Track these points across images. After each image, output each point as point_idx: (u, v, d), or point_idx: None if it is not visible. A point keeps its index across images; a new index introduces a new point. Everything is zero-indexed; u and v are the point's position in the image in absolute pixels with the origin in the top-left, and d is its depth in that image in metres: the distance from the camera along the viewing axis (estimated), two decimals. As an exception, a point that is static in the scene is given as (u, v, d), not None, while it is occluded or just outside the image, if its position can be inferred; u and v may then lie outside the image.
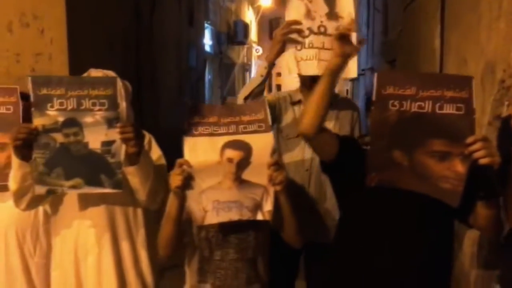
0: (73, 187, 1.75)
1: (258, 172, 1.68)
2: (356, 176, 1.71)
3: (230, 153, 1.68)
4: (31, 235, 2.03)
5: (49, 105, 1.71)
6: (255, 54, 23.04)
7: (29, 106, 2.00)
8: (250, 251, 1.78)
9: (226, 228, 1.75)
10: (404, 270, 1.69)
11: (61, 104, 1.71)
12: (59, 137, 1.72)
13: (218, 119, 1.71)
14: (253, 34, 22.16)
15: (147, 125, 2.18)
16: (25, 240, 2.02)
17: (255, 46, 22.71)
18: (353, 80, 13.79)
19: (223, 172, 1.68)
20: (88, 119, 1.71)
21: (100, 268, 1.87)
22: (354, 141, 1.96)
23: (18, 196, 1.82)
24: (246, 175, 1.69)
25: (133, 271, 1.92)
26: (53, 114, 1.71)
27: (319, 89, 1.69)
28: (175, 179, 1.65)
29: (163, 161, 1.96)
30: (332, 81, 1.67)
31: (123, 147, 1.73)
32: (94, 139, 1.72)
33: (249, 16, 21.23)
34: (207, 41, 12.63)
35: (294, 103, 2.39)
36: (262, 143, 1.69)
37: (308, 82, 2.21)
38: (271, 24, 27.17)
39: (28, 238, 2.03)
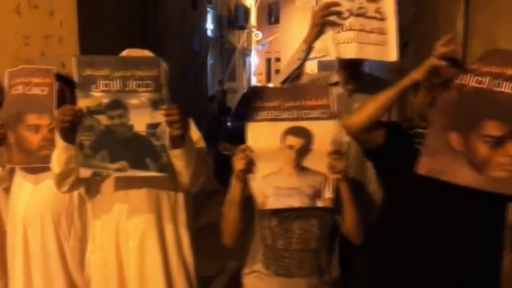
0: (118, 170, 1.69)
1: (319, 160, 1.66)
2: (402, 162, 1.68)
3: (291, 140, 1.66)
4: (66, 218, 1.98)
5: (93, 86, 1.64)
6: (254, 39, 22.84)
7: (61, 88, 1.94)
8: (314, 242, 1.77)
9: (289, 218, 1.74)
10: (451, 250, 1.67)
11: (105, 85, 1.64)
12: (103, 119, 1.66)
13: (280, 103, 1.67)
14: (252, 19, 21.92)
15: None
16: (60, 223, 1.97)
17: (254, 31, 22.49)
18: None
19: (283, 158, 1.67)
20: (133, 100, 1.65)
21: (144, 251, 1.82)
22: (398, 127, 1.92)
23: (61, 179, 1.76)
24: (306, 162, 1.67)
25: (175, 254, 1.89)
26: (97, 96, 1.64)
27: (385, 96, 1.67)
28: (238, 163, 1.63)
29: (202, 143, 1.91)
30: (401, 94, 1.65)
31: (167, 129, 1.67)
32: (139, 121, 1.67)
33: (249, 1, 20.96)
34: (209, 25, 12.47)
35: (331, 85, 2.33)
36: (323, 131, 1.67)
37: (346, 65, 2.14)
38: (270, 8, 26.90)
39: (63, 221, 1.97)
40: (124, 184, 1.80)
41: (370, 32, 1.92)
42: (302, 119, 1.67)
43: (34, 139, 1.90)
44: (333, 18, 2.00)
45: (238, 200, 1.70)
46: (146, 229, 1.83)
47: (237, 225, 1.74)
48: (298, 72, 2.08)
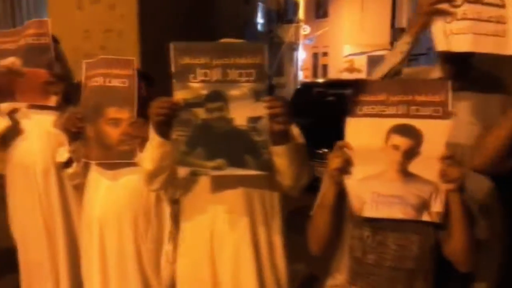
0: (216, 168, 1.52)
1: (428, 165, 1.40)
2: None
3: (397, 139, 1.42)
4: (143, 218, 1.85)
5: (191, 76, 1.48)
6: (302, 33, 22.47)
7: (139, 84, 1.81)
8: (410, 261, 1.50)
9: (385, 230, 1.50)
10: None
11: (205, 74, 1.48)
12: (201, 113, 1.49)
13: (387, 96, 1.44)
14: (301, 13, 21.57)
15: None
16: (138, 224, 1.85)
17: (302, 25, 22.12)
18: (410, 60, 13.14)
19: (386, 160, 1.43)
20: (234, 91, 1.48)
21: (239, 259, 1.65)
22: None
23: (152, 176, 1.64)
24: (413, 167, 1.42)
25: (268, 262, 1.69)
26: (196, 87, 1.48)
27: (505, 130, 1.49)
28: (334, 161, 1.42)
29: (302, 139, 1.70)
30: None
31: (269, 123, 1.48)
32: (240, 114, 1.49)
33: (297, -6, 20.65)
34: (259, 20, 12.32)
35: None
36: (436, 131, 1.41)
37: (453, 59, 1.84)
38: (318, 2, 26.39)
39: (140, 221, 1.85)
40: (219, 183, 1.63)
41: (488, 21, 1.63)
42: (411, 116, 1.43)
43: (113, 133, 1.78)
44: (444, 5, 1.73)
45: (330, 204, 1.49)
46: (242, 235, 1.64)
47: (327, 232, 1.53)
48: (399, 67, 1.83)
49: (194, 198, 1.70)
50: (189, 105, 1.49)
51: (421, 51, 11.43)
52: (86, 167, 1.95)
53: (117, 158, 1.81)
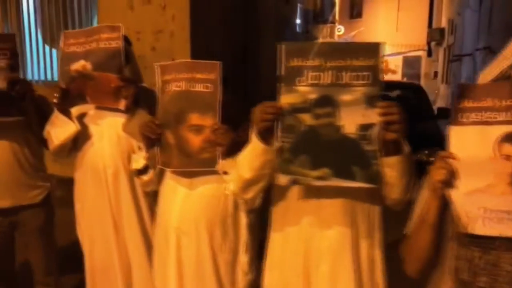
0: (319, 178, 1.42)
1: None
2: None
3: (509, 149, 1.29)
4: (220, 227, 1.78)
5: (299, 79, 1.39)
6: (336, 34, 22.16)
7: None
8: None
9: (497, 250, 1.37)
10: None
11: (315, 77, 1.39)
12: (307, 118, 1.40)
13: (495, 101, 1.32)
14: (336, 13, 21.28)
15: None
16: (215, 233, 1.77)
17: (337, 25, 21.83)
18: (452, 61, 12.73)
19: (496, 172, 1.30)
20: (346, 96, 1.38)
21: (336, 276, 1.54)
22: None
23: (249, 185, 1.55)
24: None
25: (369, 280, 1.58)
26: (303, 90, 1.38)
27: None
28: (438, 173, 1.30)
29: (408, 147, 1.57)
30: None
31: (381, 132, 1.38)
32: (350, 121, 1.39)
33: (332, -6, 20.35)
34: (297, 20, 12.18)
35: None
36: None
37: None
38: (352, 2, 26.00)
39: (217, 231, 1.78)
40: (316, 192, 1.53)
41: None
42: None
43: (195, 140, 1.71)
44: None
45: (433, 220, 1.35)
46: (341, 249, 1.53)
47: (429, 252, 1.40)
48: (510, 71, 1.68)
49: (287, 208, 1.61)
50: (295, 110, 1.41)
51: (466, 51, 11.02)
52: (160, 175, 1.90)
53: (198, 166, 1.74)
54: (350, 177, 1.43)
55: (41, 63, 5.59)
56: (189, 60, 1.78)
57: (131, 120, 2.09)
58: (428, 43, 21.61)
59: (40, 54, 5.56)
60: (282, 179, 1.47)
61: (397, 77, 23.55)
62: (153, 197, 2.26)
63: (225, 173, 1.72)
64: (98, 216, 2.18)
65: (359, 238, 1.56)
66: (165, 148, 1.77)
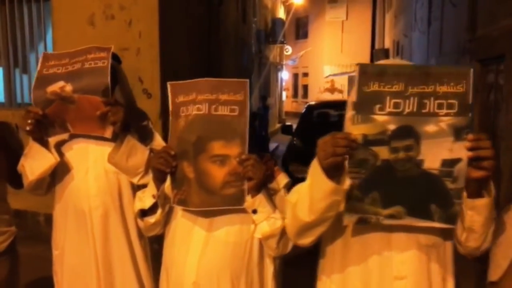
0: (391, 216, 1.23)
1: None
2: None
3: None
4: (245, 279, 1.48)
5: (378, 106, 1.18)
6: (284, 53, 22.45)
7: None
8: None
9: None
10: None
11: (395, 105, 1.18)
12: (383, 152, 1.19)
13: None
14: (283, 34, 21.55)
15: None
16: (239, 286, 1.47)
17: (285, 45, 22.12)
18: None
19: None
20: (429, 127, 1.18)
21: None
22: None
23: (306, 229, 1.30)
24: None
25: None
26: (381, 120, 1.17)
27: None
28: None
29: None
30: None
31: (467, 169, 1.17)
32: (433, 155, 1.19)
33: (280, 15, 20.62)
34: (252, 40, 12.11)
35: None
36: None
37: None
38: (298, 23, 26.59)
39: (242, 283, 1.47)
40: (384, 227, 1.30)
41: None
42: None
43: (218, 173, 1.42)
44: None
45: None
46: None
47: None
48: None
49: (344, 250, 1.35)
50: (369, 142, 1.18)
51: None
52: (167, 214, 1.58)
53: (222, 204, 1.45)
54: (427, 216, 1.23)
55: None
56: (211, 78, 1.48)
57: (118, 149, 1.76)
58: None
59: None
60: (349, 219, 1.24)
61: (344, 96, 24.21)
62: (147, 240, 1.94)
63: (254, 212, 1.44)
64: (81, 267, 1.82)
65: (433, 285, 1.33)
66: (181, 183, 1.46)
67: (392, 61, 1.39)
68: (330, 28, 25.12)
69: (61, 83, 1.73)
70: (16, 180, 1.91)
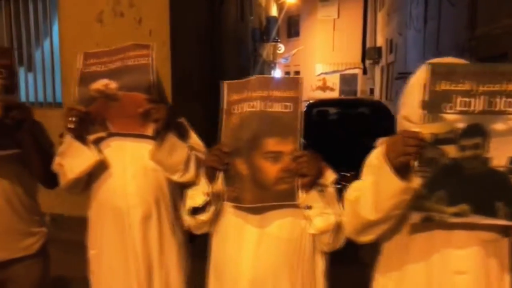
0: (456, 214, 1.24)
1: None
2: None
3: None
4: (300, 274, 1.47)
5: (447, 105, 1.18)
6: (277, 52, 22.46)
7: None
8: None
9: None
10: None
11: (466, 104, 1.18)
12: (452, 150, 1.20)
13: None
14: (276, 32, 21.54)
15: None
16: (296, 282, 1.47)
17: (278, 44, 22.13)
18: (397, 78, 13.26)
19: None
20: (498, 125, 1.19)
21: None
22: None
23: (369, 227, 1.30)
24: None
25: None
26: (451, 119, 1.18)
27: None
28: None
29: None
30: None
31: None
32: (501, 153, 1.21)
33: (273, 13, 20.62)
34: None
35: None
36: None
37: None
38: (289, 21, 26.60)
39: (298, 279, 1.47)
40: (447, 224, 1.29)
41: None
42: None
43: (272, 170, 1.43)
44: None
45: None
46: None
47: None
48: None
49: (402, 248, 1.37)
50: (438, 141, 1.19)
51: (410, 70, 11.50)
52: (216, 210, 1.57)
53: (275, 200, 1.45)
54: (491, 214, 1.25)
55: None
56: (265, 76, 1.49)
57: (161, 147, 1.75)
58: (363, 61, 22.63)
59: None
60: (415, 217, 1.25)
61: (335, 94, 24.31)
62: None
63: (308, 207, 1.44)
64: (120, 266, 1.80)
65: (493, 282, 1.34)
66: (233, 180, 1.46)
67: (450, 59, 1.39)
68: (321, 26, 25.18)
69: (105, 81, 1.72)
70: (48, 179, 1.88)
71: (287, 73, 26.67)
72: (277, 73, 23.66)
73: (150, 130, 1.76)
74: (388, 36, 16.11)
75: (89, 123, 1.75)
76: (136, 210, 1.77)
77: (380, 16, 18.97)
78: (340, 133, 6.38)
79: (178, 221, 1.89)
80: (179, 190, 1.91)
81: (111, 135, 1.81)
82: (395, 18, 14.73)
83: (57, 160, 1.78)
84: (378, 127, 6.19)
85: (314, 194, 1.43)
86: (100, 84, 1.72)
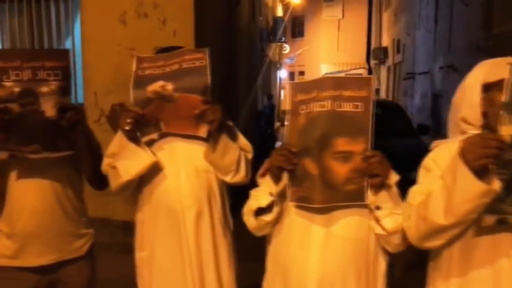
0: None
1: None
2: None
3: None
4: (365, 276, 1.47)
5: None
6: (282, 53, 22.45)
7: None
8: None
9: None
10: None
11: None
12: None
13: None
14: (281, 32, 21.52)
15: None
16: (361, 284, 1.47)
17: (283, 44, 22.12)
18: (405, 78, 13.24)
19: None
20: None
21: None
22: None
23: (439, 232, 1.27)
24: None
25: None
26: None
27: None
28: None
29: None
30: None
31: None
32: None
33: (278, 13, 20.61)
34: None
35: None
36: None
37: None
38: (294, 21, 26.59)
39: (363, 281, 1.46)
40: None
41: None
42: None
43: (341, 170, 1.43)
44: None
45: None
46: None
47: None
48: None
49: (464, 252, 1.34)
50: None
51: (419, 70, 11.53)
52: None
53: (344, 200, 1.45)
54: None
55: None
56: (334, 75, 1.48)
57: (215, 148, 1.76)
58: (368, 62, 22.59)
59: None
60: (489, 219, 1.24)
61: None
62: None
63: (378, 208, 1.43)
64: (173, 268, 1.80)
65: None
66: (301, 180, 1.46)
67: None
68: (326, 27, 25.17)
69: (161, 82, 1.73)
70: (98, 180, 1.88)
71: (291, 73, 26.66)
72: (283, 73, 23.66)
73: (202, 131, 1.77)
74: (395, 36, 16.08)
75: (143, 125, 1.76)
76: (190, 210, 1.78)
77: (386, 17, 18.95)
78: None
79: (227, 220, 1.91)
80: (228, 190, 1.93)
81: (162, 135, 1.81)
82: (402, 18, 14.71)
83: (107, 161, 1.79)
84: (392, 128, 6.21)
85: (383, 194, 1.43)
86: (156, 85, 1.73)
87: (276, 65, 19.95)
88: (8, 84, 1.63)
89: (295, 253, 1.50)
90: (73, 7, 4.52)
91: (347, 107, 1.42)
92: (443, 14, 9.67)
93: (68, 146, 1.75)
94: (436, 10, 10.12)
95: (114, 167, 1.75)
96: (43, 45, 4.64)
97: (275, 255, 1.58)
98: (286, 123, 1.49)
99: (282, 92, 24.52)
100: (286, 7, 22.14)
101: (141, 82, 1.75)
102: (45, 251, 1.80)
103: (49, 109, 1.68)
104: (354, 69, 25.70)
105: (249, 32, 8.86)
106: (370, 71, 23.35)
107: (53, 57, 1.69)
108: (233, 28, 6.19)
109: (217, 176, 1.83)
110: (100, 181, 1.88)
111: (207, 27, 4.43)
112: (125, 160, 1.73)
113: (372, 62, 21.99)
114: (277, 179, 1.49)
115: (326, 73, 26.18)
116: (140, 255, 1.87)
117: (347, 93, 1.42)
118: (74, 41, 4.54)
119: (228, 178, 1.80)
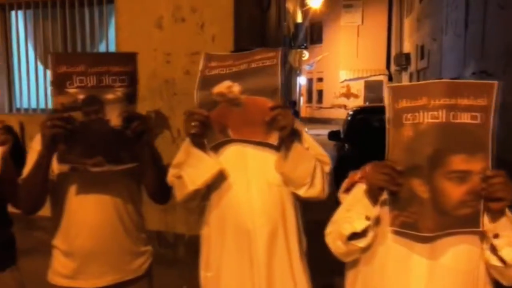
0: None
1: None
2: None
3: None
4: None
5: None
6: (301, 59, 22.28)
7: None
8: None
9: None
10: None
11: None
12: None
13: None
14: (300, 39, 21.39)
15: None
16: None
17: (302, 50, 21.94)
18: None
19: None
20: None
21: None
22: None
23: None
24: None
25: None
26: None
27: None
28: None
29: None
30: None
31: None
32: None
33: (298, 19, 20.46)
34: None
35: None
36: None
37: None
38: (312, 27, 26.42)
39: None
40: None
41: None
42: None
43: (455, 192, 1.23)
44: None
45: None
46: None
47: None
48: None
49: None
50: None
51: (446, 76, 11.21)
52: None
53: (455, 227, 1.26)
54: None
55: (32, 88, 4.85)
56: (448, 80, 1.28)
57: (287, 157, 1.57)
58: (388, 68, 22.28)
59: (31, 77, 4.83)
60: None
61: (360, 101, 23.97)
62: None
63: (496, 236, 1.24)
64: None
65: None
66: (407, 204, 1.26)
67: None
68: (345, 33, 24.93)
69: (227, 83, 1.56)
70: (161, 194, 1.74)
71: (310, 80, 26.44)
72: (302, 80, 23.49)
73: (273, 138, 1.60)
74: (419, 42, 15.78)
75: (209, 129, 1.60)
76: (263, 230, 1.60)
77: (408, 22, 18.64)
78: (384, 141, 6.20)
79: (302, 242, 1.73)
80: (301, 206, 1.75)
81: (228, 142, 1.65)
82: (427, 23, 14.42)
83: (173, 172, 1.64)
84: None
85: (504, 220, 1.23)
86: (222, 87, 1.56)
87: (296, 71, 19.78)
88: (71, 91, 1.49)
89: (392, 285, 1.32)
90: (107, 12, 4.43)
91: (464, 118, 1.22)
92: (474, 18, 9.39)
93: (132, 158, 1.61)
94: (467, 14, 9.85)
95: (179, 177, 1.61)
96: (76, 50, 4.56)
97: (364, 285, 1.40)
98: (386, 134, 1.31)
99: (301, 99, 24.34)
100: (305, 13, 22.00)
101: (206, 83, 1.59)
102: (105, 272, 1.66)
103: (114, 118, 1.54)
104: (373, 75, 25.46)
105: (276, 38, 8.73)
106: (390, 78, 23.10)
107: (120, 61, 1.55)
108: (264, 33, 6.05)
109: (290, 191, 1.66)
110: (163, 195, 1.74)
111: (245, 32, 4.29)
112: (191, 168, 1.58)
113: (393, 68, 21.68)
114: (375, 201, 1.31)
115: (345, 80, 25.95)
116: (206, 276, 1.71)
117: (464, 102, 1.22)
118: (108, 46, 4.45)
119: (302, 192, 1.60)
